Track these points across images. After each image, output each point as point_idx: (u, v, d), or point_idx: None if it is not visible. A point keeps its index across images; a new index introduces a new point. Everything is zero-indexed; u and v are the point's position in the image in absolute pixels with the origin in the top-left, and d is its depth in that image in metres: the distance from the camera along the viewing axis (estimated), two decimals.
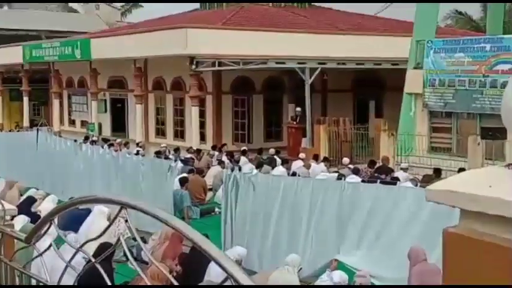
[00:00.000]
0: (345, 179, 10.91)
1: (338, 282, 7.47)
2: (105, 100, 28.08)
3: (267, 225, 9.88)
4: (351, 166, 15.82)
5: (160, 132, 25.30)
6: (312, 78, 19.64)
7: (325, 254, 9.04)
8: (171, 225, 2.14)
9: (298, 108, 20.88)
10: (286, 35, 21.51)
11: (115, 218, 2.46)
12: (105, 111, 27.99)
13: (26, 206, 11.69)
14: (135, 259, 9.07)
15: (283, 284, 7.62)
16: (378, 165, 16.05)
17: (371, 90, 25.16)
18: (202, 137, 22.55)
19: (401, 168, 15.71)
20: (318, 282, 7.83)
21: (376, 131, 19.10)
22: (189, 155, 18.94)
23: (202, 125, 22.52)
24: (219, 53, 20.32)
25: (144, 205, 2.29)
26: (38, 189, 13.80)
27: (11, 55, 30.36)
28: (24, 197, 12.87)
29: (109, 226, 2.62)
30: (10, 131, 26.92)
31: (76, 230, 10.79)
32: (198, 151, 19.78)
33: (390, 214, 8.51)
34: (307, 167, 15.73)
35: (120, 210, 2.33)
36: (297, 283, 7.74)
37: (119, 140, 22.88)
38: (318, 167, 16.09)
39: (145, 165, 12.84)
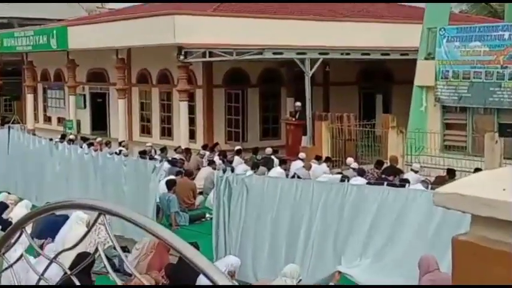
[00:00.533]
0: (348, 181, 10.93)
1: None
2: (84, 95, 28.05)
3: (262, 233, 9.89)
4: (356, 166, 15.84)
5: (146, 130, 25.30)
6: (313, 70, 19.65)
7: (326, 264, 9.06)
8: (154, 233, 2.15)
9: (298, 103, 20.89)
10: (284, 23, 21.52)
11: (93, 225, 2.46)
12: (84, 107, 27.96)
13: None
14: (118, 271, 9.13)
15: None
16: (385, 165, 16.09)
17: (378, 83, 25.20)
18: (192, 136, 22.55)
19: (412, 169, 15.75)
20: None
21: (384, 128, 19.13)
22: (177, 155, 18.95)
23: (191, 121, 22.52)
24: (210, 42, 20.32)
25: (125, 211, 2.30)
26: (9, 193, 13.78)
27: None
28: None
29: (86, 234, 2.61)
30: None
31: (52, 238, 10.79)
32: (187, 151, 19.78)
33: (398, 220, 8.53)
34: (308, 167, 15.76)
35: (98, 217, 2.34)
36: None
37: (99, 139, 22.84)
38: (319, 167, 16.12)
39: (127, 166, 12.83)
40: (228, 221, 10.36)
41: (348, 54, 21.15)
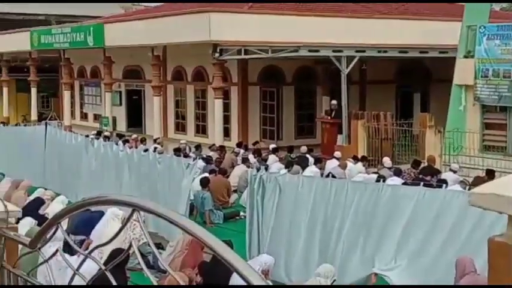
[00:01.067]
0: (384, 181, 10.85)
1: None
2: (120, 92, 28.37)
3: (295, 232, 9.89)
4: (390, 165, 15.72)
5: (180, 128, 25.47)
6: (349, 67, 19.54)
7: (359, 265, 9.02)
8: (189, 230, 2.17)
9: (334, 101, 20.81)
10: (320, 20, 21.45)
11: (127, 221, 2.51)
12: (120, 104, 28.28)
13: (33, 208, 11.89)
14: (152, 267, 9.22)
15: None
16: (422, 165, 15.93)
17: (416, 82, 24.96)
18: (227, 133, 22.63)
19: (451, 170, 15.57)
20: None
21: (422, 127, 18.94)
22: (211, 153, 19.05)
23: (226, 119, 22.60)
24: (245, 39, 20.36)
25: (159, 208, 2.33)
26: (46, 189, 14.02)
27: (17, 42, 30.84)
28: (31, 197, 13.09)
29: (121, 230, 2.66)
30: (17, 124, 27.35)
31: (87, 234, 10.95)
32: (222, 148, 19.87)
33: (434, 221, 8.45)
34: (343, 167, 15.69)
35: (132, 213, 2.38)
36: None
37: (134, 136, 23.10)
38: (355, 167, 16.04)
39: (162, 164, 12.92)
40: (262, 220, 10.38)
41: (385, 52, 20.97)
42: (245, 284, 1.98)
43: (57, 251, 2.98)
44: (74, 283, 2.66)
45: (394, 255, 8.77)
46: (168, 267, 2.56)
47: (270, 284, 2.05)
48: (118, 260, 2.70)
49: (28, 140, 17.99)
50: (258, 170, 11.14)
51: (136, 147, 18.33)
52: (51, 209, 11.56)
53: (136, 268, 8.81)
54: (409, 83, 25.02)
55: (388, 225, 8.87)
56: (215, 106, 21.94)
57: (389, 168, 15.42)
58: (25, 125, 25.75)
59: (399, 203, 8.82)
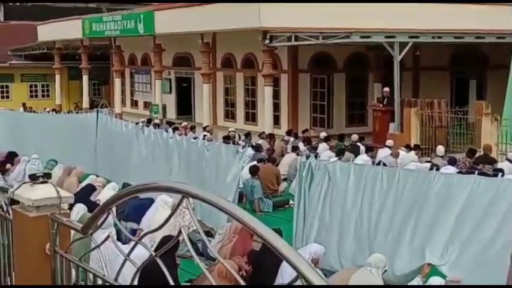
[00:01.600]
0: (438, 170, 10.68)
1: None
2: (170, 79, 28.64)
3: (345, 221, 9.83)
4: (443, 154, 15.46)
5: (230, 115, 25.58)
6: (402, 54, 19.25)
7: (409, 255, 8.92)
8: (238, 217, 2.18)
9: (386, 89, 20.56)
10: (371, 5, 21.16)
11: (176, 207, 2.54)
12: (170, 91, 28.56)
13: (85, 195, 12.14)
14: (201, 255, 9.30)
15: (367, 286, 7.58)
16: (478, 154, 15.61)
17: (472, 68, 24.48)
18: (276, 121, 22.63)
19: (508, 159, 15.21)
20: None
21: (477, 115, 18.57)
22: (261, 141, 19.07)
23: (276, 107, 22.58)
24: (295, 26, 20.26)
25: (208, 195, 2.35)
26: (97, 176, 14.29)
27: (69, 29, 31.39)
28: (83, 184, 13.36)
29: (170, 217, 2.70)
30: (69, 112, 27.91)
31: (138, 221, 11.13)
32: (271, 136, 19.88)
33: (487, 211, 8.29)
34: (395, 155, 15.51)
35: (181, 200, 2.40)
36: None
37: (184, 124, 23.31)
38: (407, 156, 15.83)
39: (210, 151, 13.00)
40: (308, 208, 10.36)
41: (439, 37, 20.58)
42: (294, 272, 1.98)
43: (108, 236, 3.04)
44: (124, 269, 2.70)
45: (446, 244, 8.64)
46: (218, 255, 2.57)
47: (319, 272, 2.04)
48: (167, 246, 2.74)
49: (80, 128, 18.34)
50: (308, 158, 11.09)
51: (185, 135, 18.49)
52: (103, 196, 11.79)
53: (186, 255, 8.91)
54: (465, 69, 24.55)
55: (440, 214, 8.74)
56: (265, 93, 21.94)
57: (443, 157, 15.17)
58: (77, 113, 26.27)
59: (452, 191, 8.67)
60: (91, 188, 12.81)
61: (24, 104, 33.00)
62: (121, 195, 3.00)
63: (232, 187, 12.01)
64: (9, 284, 3.78)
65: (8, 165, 16.48)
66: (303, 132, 20.88)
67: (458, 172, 11.34)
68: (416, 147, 17.01)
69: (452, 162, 14.22)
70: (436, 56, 23.59)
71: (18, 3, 44.25)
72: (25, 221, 3.37)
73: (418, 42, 20.33)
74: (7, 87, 36.38)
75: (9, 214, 3.63)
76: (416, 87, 24.02)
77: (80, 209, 10.31)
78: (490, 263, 8.08)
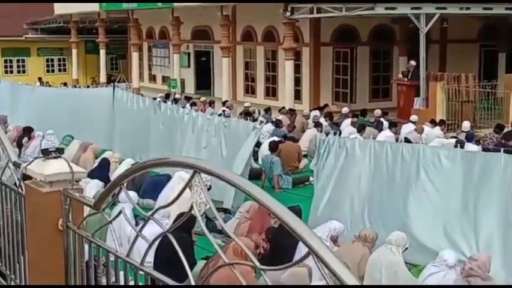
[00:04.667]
0: (462, 147, 10.64)
1: (454, 264, 7.40)
2: (189, 53, 28.66)
3: (364, 198, 9.85)
4: (468, 129, 15.33)
5: (250, 90, 25.58)
6: (429, 26, 19.04)
7: (432, 233, 8.92)
8: (248, 192, 2.22)
9: (412, 62, 20.39)
10: None
11: (188, 182, 2.57)
12: (189, 65, 28.59)
13: (101, 171, 12.27)
14: (220, 232, 9.35)
15: (386, 264, 7.61)
16: (506, 130, 15.48)
17: (501, 41, 24.19)
18: (298, 96, 22.59)
19: None
20: (428, 267, 7.73)
21: (506, 89, 18.38)
22: (281, 116, 19.06)
23: (297, 81, 22.53)
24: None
25: (221, 171, 2.38)
26: (113, 152, 14.41)
27: (86, 3, 31.44)
28: (99, 160, 13.49)
29: (181, 192, 2.73)
30: (88, 86, 28.06)
31: (154, 198, 11.25)
32: (292, 112, 19.86)
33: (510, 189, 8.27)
34: (420, 131, 15.44)
35: (193, 175, 2.44)
36: (402, 265, 7.70)
37: (203, 99, 23.35)
38: (432, 131, 15.76)
39: (227, 128, 13.02)
40: (327, 185, 10.39)
41: (468, 8, 20.29)
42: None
43: (120, 212, 3.10)
44: (142, 246, 2.75)
45: (467, 224, 8.65)
46: (231, 232, 2.60)
47: (332, 251, 2.08)
48: (179, 222, 2.79)
49: (97, 103, 18.45)
50: (327, 134, 11.09)
51: (204, 111, 18.54)
52: (119, 172, 11.89)
53: (204, 232, 8.98)
54: (494, 42, 24.26)
55: (460, 191, 8.75)
56: (286, 68, 21.89)
57: (467, 133, 15.07)
58: (95, 87, 26.40)
59: (474, 168, 8.66)
60: (107, 163, 12.93)
61: (40, 79, 33.24)
62: (134, 169, 3.04)
63: (242, 161, 12.00)
64: (22, 262, 3.86)
65: (26, 139, 16.70)
66: (323, 107, 20.82)
67: (485, 149, 11.24)
68: (441, 123, 16.91)
69: (469, 138, 14.06)
70: (464, 28, 23.32)
71: None
72: (38, 197, 3.43)
73: (445, 14, 20.06)
74: (23, 61, 36.67)
75: (22, 189, 3.70)
76: (443, 60, 23.80)
77: (95, 185, 10.43)
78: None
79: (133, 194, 10.02)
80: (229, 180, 2.31)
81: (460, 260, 7.74)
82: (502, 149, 9.08)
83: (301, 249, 7.76)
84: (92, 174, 11.60)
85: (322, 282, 6.31)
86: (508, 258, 8.11)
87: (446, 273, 7.35)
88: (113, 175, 12.04)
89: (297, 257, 7.82)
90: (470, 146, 12.12)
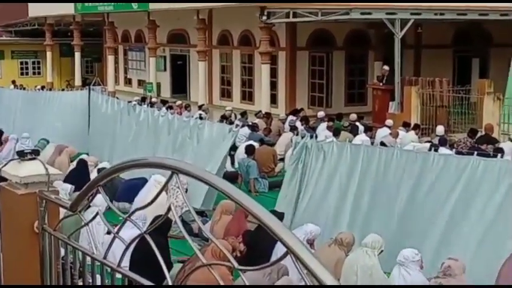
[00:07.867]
0: (437, 150, 10.73)
1: (417, 260, 7.44)
2: (165, 57, 28.56)
3: (342, 202, 9.89)
4: (443, 133, 15.49)
5: (226, 94, 25.56)
6: (404, 31, 19.21)
7: (411, 236, 8.98)
8: (226, 193, 2.21)
9: (386, 67, 20.53)
10: None
11: (166, 183, 2.56)
12: (165, 69, 28.49)
13: (75, 174, 12.17)
14: (196, 235, 9.33)
15: (362, 267, 7.64)
16: (479, 134, 15.66)
17: (474, 46, 24.43)
18: (274, 100, 22.62)
19: (510, 139, 15.27)
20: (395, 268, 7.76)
21: (479, 94, 18.58)
22: (257, 120, 19.07)
23: (273, 85, 22.58)
24: (294, 2, 20.17)
25: (200, 172, 2.38)
26: (88, 155, 14.28)
27: (61, 5, 31.18)
28: (74, 163, 13.37)
29: (159, 193, 2.72)
30: (62, 90, 27.78)
31: (130, 201, 11.19)
32: (268, 115, 19.88)
33: (490, 195, 8.34)
34: (395, 135, 15.58)
35: (171, 176, 2.43)
36: (378, 267, 7.73)
37: (179, 102, 23.29)
38: (407, 135, 15.90)
39: (202, 130, 12.99)
40: (304, 188, 10.42)
41: (442, 14, 20.50)
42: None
43: (97, 214, 3.07)
44: (117, 249, 2.73)
45: (445, 227, 8.71)
46: (211, 235, 2.60)
47: (311, 250, 2.08)
48: (156, 223, 2.78)
49: (71, 106, 18.30)
50: (303, 137, 11.13)
51: (180, 114, 18.48)
52: (95, 175, 11.79)
53: (179, 236, 8.96)
54: (468, 47, 24.50)
55: (440, 198, 8.81)
56: (262, 72, 21.92)
57: (440, 137, 15.19)
58: (70, 90, 26.15)
59: (450, 173, 8.73)
60: (85, 166, 12.82)
61: (14, 82, 32.88)
62: (110, 171, 3.02)
63: (216, 164, 12.01)
64: None
65: None
66: (298, 111, 20.87)
67: (458, 152, 11.37)
68: (416, 127, 17.06)
69: (442, 142, 14.20)
70: (438, 34, 23.54)
71: None
72: (13, 199, 3.39)
73: (420, 19, 20.27)
74: None
75: None
76: (418, 65, 24.00)
77: (67, 189, 10.34)
78: (491, 250, 8.12)
79: (105, 198, 9.91)
80: (209, 182, 2.30)
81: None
82: (475, 153, 9.18)
83: (277, 252, 7.77)
84: (69, 177, 11.51)
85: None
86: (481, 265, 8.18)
87: (411, 269, 7.41)
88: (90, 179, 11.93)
89: (273, 259, 7.82)
90: (444, 150, 12.22)
